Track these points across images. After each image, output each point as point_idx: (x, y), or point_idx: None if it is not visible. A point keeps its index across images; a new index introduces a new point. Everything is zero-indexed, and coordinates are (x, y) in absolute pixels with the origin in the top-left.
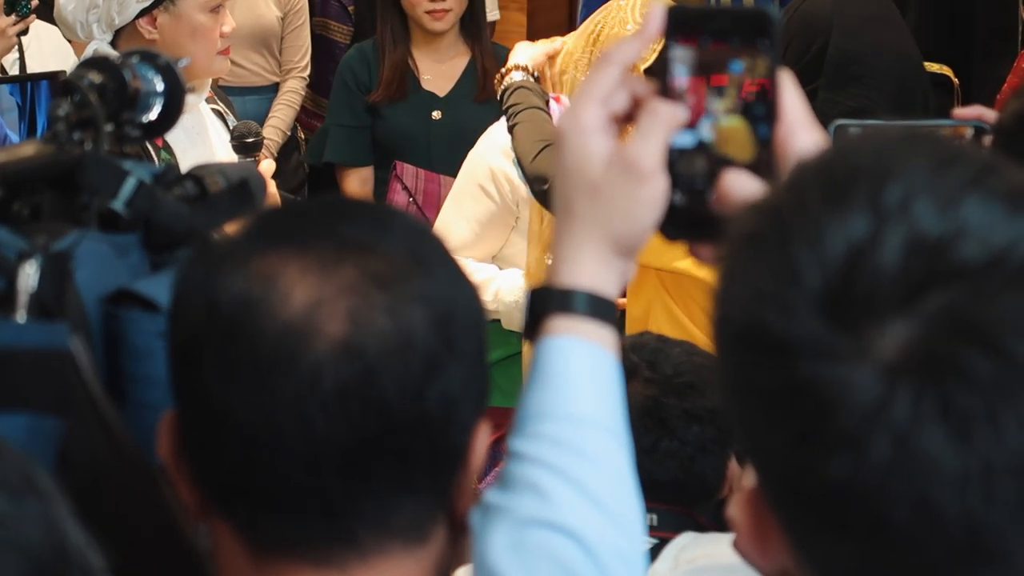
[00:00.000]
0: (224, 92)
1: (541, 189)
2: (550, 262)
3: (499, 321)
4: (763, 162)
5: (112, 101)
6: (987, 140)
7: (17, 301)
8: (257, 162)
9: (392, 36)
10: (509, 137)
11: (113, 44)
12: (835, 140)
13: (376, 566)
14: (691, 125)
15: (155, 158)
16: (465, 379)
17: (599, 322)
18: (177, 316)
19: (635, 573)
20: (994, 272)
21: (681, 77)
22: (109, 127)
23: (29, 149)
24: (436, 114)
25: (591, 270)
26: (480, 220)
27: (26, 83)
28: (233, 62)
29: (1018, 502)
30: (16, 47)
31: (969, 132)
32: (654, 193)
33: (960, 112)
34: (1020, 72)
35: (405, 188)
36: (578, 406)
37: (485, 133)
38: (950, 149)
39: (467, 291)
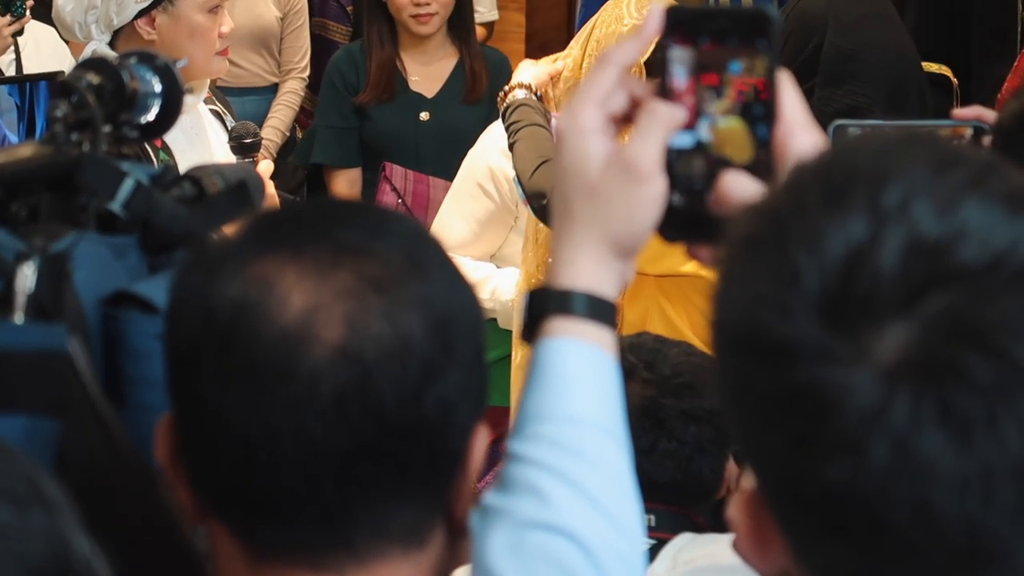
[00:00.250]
0: (223, 93)
1: (540, 205)
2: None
3: (495, 320)
4: (762, 163)
5: (110, 102)
6: (986, 140)
7: (15, 302)
8: (255, 163)
9: (379, 38)
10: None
11: (111, 45)
12: (834, 140)
13: (374, 571)
14: (690, 126)
15: (154, 159)
16: (463, 383)
17: (598, 323)
18: (174, 322)
19: (634, 574)
20: (994, 274)
21: (680, 77)
22: (107, 128)
23: (27, 150)
24: (424, 115)
25: (590, 271)
26: (479, 219)
27: (25, 84)
28: (232, 63)
29: (1018, 505)
30: (12, 48)
31: (968, 132)
32: (653, 194)
33: (959, 112)
34: (1020, 72)
35: (394, 189)
36: (577, 407)
37: (485, 132)
38: (949, 150)
39: (465, 294)
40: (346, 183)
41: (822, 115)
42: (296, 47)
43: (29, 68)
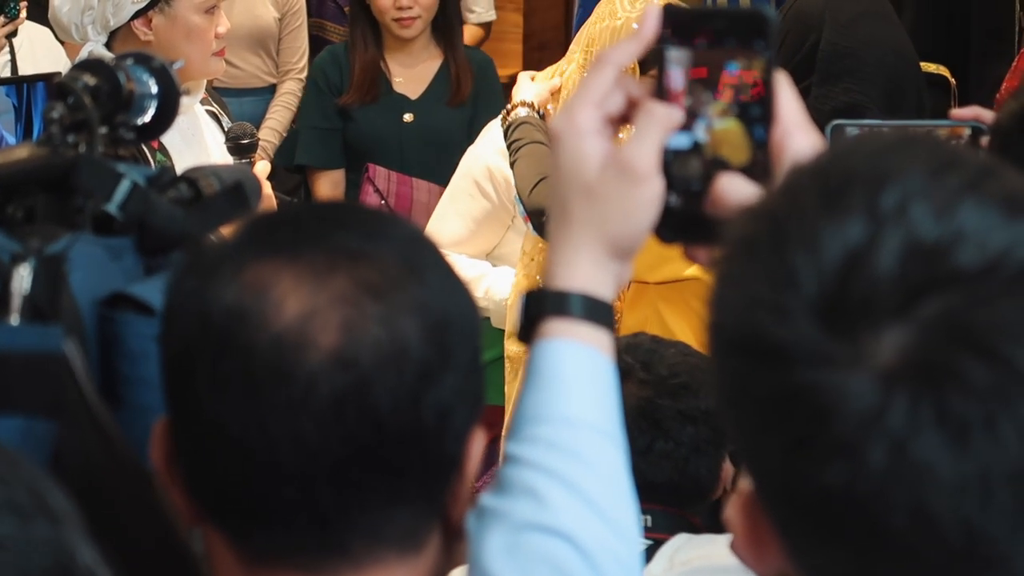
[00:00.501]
0: (221, 93)
1: (540, 222)
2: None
3: (489, 319)
4: (759, 164)
5: (106, 104)
6: (984, 140)
7: (11, 303)
8: (252, 164)
9: (363, 39)
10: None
11: (108, 46)
12: (832, 140)
13: (370, 575)
14: (687, 127)
15: (151, 160)
16: (460, 387)
17: (594, 325)
18: (169, 326)
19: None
20: (991, 277)
21: (677, 78)
22: (103, 130)
23: (23, 152)
24: (408, 117)
25: (586, 272)
26: (475, 217)
27: (22, 85)
28: (230, 63)
29: (1016, 508)
30: (7, 49)
31: (966, 132)
32: (650, 195)
33: (957, 112)
34: (1018, 73)
35: (377, 191)
36: (573, 409)
37: (484, 130)
38: (947, 153)
39: (461, 298)
40: (329, 184)
41: (819, 113)
42: (294, 48)
43: (24, 69)
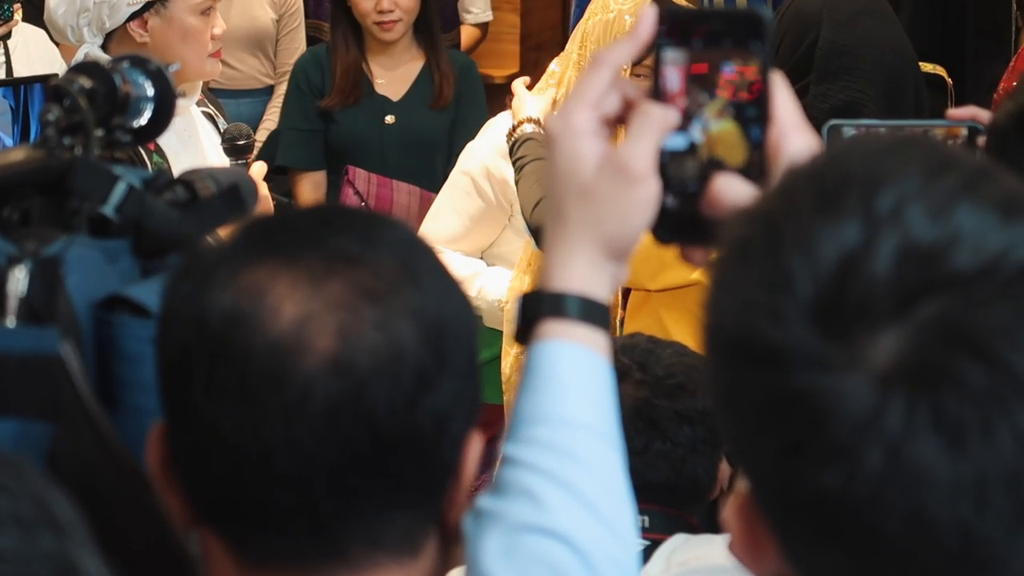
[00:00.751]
0: (218, 95)
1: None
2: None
3: (481, 318)
4: (755, 164)
5: (102, 106)
6: (981, 141)
7: (7, 306)
8: (248, 165)
9: (344, 42)
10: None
11: (104, 47)
12: (828, 140)
13: None
14: (683, 128)
15: (147, 162)
16: (456, 393)
17: (591, 326)
18: (166, 331)
19: None
20: (987, 280)
21: (673, 79)
22: (99, 132)
23: (19, 154)
24: (389, 118)
25: (583, 274)
26: (471, 215)
27: (19, 86)
28: (228, 64)
29: (1012, 511)
30: (2, 50)
31: (963, 132)
32: (646, 196)
33: (954, 112)
34: (1015, 73)
35: (357, 193)
36: (570, 410)
37: (485, 127)
38: (942, 155)
39: (458, 303)
40: (310, 186)
41: (817, 111)
42: (292, 49)
43: (19, 70)
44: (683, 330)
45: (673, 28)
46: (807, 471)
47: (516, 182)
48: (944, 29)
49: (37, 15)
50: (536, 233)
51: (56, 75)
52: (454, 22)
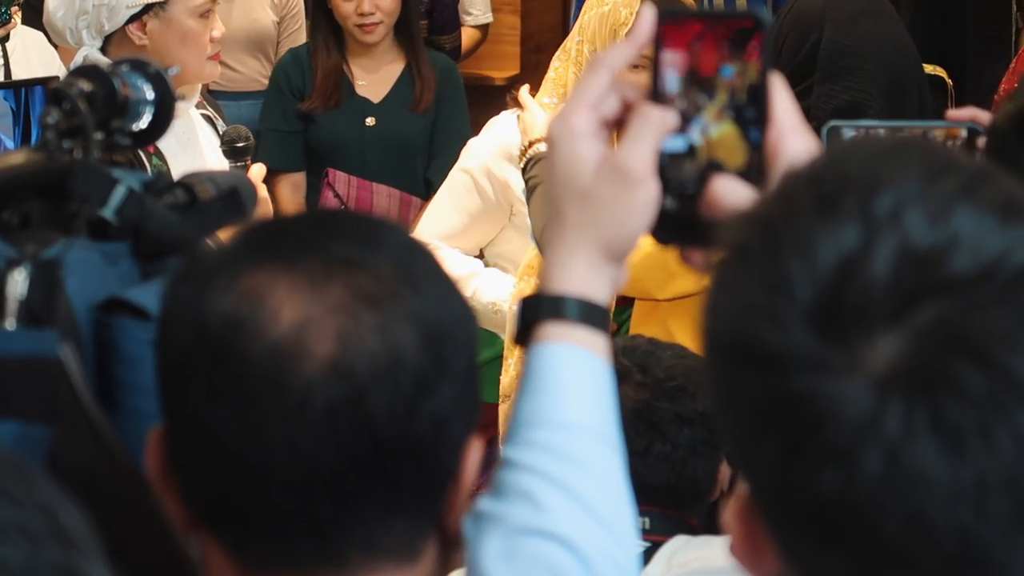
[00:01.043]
0: (219, 96)
1: None
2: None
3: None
4: (754, 166)
5: (102, 109)
6: (981, 142)
7: (7, 308)
8: (247, 167)
9: (325, 44)
10: (513, 138)
11: (103, 50)
12: (828, 141)
13: None
14: (682, 130)
15: (147, 165)
16: (456, 397)
17: (590, 328)
18: (165, 335)
19: None
20: (985, 283)
21: (672, 81)
22: (99, 135)
23: (19, 157)
24: (370, 120)
25: (582, 276)
26: (470, 212)
27: (20, 88)
28: (229, 67)
29: (1011, 515)
30: (1, 53)
31: (963, 133)
32: (645, 198)
33: (954, 114)
34: (1016, 75)
35: (337, 195)
36: (570, 413)
37: (488, 124)
38: (941, 158)
39: (458, 308)
40: (289, 187)
41: (821, 112)
42: None
43: (18, 73)
44: (691, 339)
45: (672, 30)
46: (806, 474)
47: (528, 201)
48: (944, 30)
49: (36, 17)
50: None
51: (57, 77)
52: (454, 24)
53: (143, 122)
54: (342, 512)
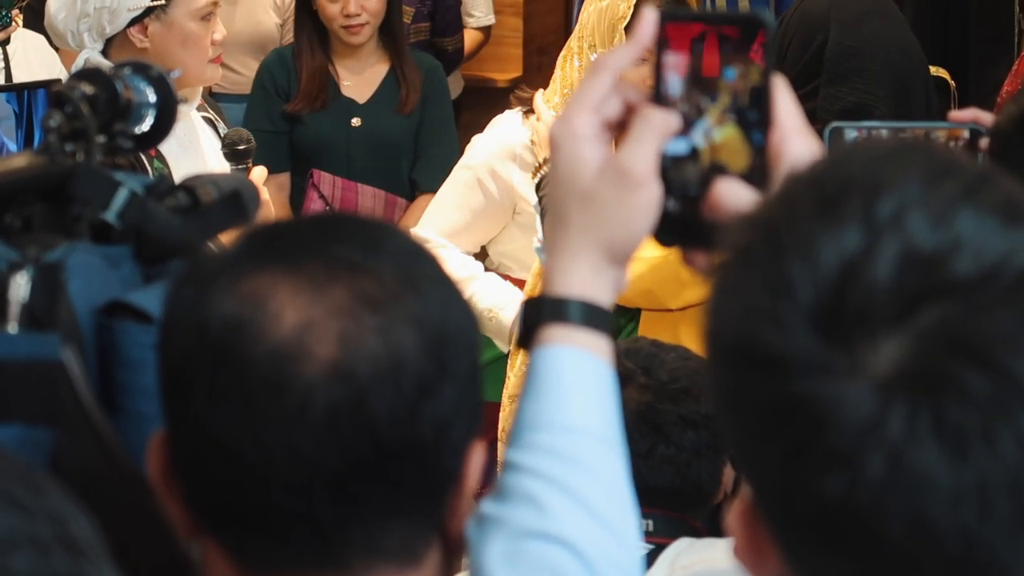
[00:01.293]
0: (223, 99)
1: None
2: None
3: None
4: (757, 169)
5: (104, 112)
6: (983, 143)
7: (9, 312)
8: (248, 170)
9: (310, 46)
10: (517, 138)
11: (104, 53)
12: (830, 142)
13: None
14: (684, 132)
15: (148, 168)
16: (458, 401)
17: (593, 331)
18: (167, 338)
19: None
20: (988, 286)
21: (674, 83)
22: (101, 138)
23: (21, 160)
24: (355, 121)
25: (585, 278)
26: (473, 209)
27: (23, 91)
28: (232, 69)
29: (1015, 518)
30: (1, 56)
31: (965, 135)
32: (647, 200)
33: (956, 115)
34: (1019, 76)
35: (322, 196)
36: (573, 416)
37: (492, 123)
38: (943, 160)
39: (460, 312)
40: (274, 188)
41: (828, 114)
42: None
43: (19, 76)
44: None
45: (674, 32)
46: (809, 477)
47: (541, 220)
48: (946, 31)
49: (37, 20)
50: None
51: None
52: (457, 26)
53: (145, 125)
54: (343, 515)
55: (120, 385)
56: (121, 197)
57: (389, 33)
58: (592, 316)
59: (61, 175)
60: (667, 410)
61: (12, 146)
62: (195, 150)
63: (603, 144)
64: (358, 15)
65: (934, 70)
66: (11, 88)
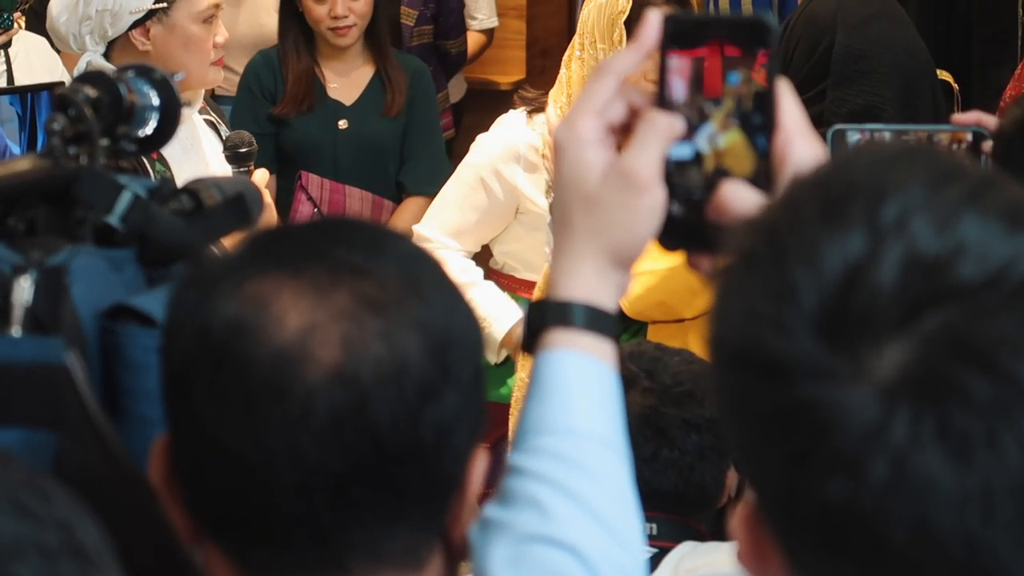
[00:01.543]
0: (224, 102)
1: None
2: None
3: None
4: (761, 173)
5: (107, 115)
6: (986, 146)
7: (12, 315)
8: (250, 172)
9: (295, 49)
10: (521, 138)
11: (106, 55)
12: (833, 145)
13: None
14: (688, 136)
15: (150, 170)
16: (460, 406)
17: (597, 335)
18: (170, 341)
19: None
20: (992, 291)
21: (678, 87)
22: (105, 142)
23: (24, 164)
24: (342, 123)
25: (588, 282)
26: (475, 207)
27: (26, 94)
28: (234, 71)
29: (1019, 522)
30: (3, 59)
31: (968, 137)
32: (652, 204)
33: (959, 118)
34: (1022, 80)
35: (310, 199)
36: (576, 420)
37: (497, 122)
38: (947, 164)
39: (464, 316)
40: None
41: (836, 117)
42: None
43: (21, 78)
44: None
45: (678, 35)
46: (813, 482)
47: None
48: (949, 35)
49: (39, 23)
50: None
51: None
52: (460, 28)
53: (149, 128)
54: (345, 519)
55: (123, 389)
56: (125, 200)
57: (373, 35)
58: (596, 320)
59: (65, 178)
60: (671, 414)
61: (15, 148)
62: (197, 153)
63: (607, 148)
64: (345, 17)
65: (938, 73)
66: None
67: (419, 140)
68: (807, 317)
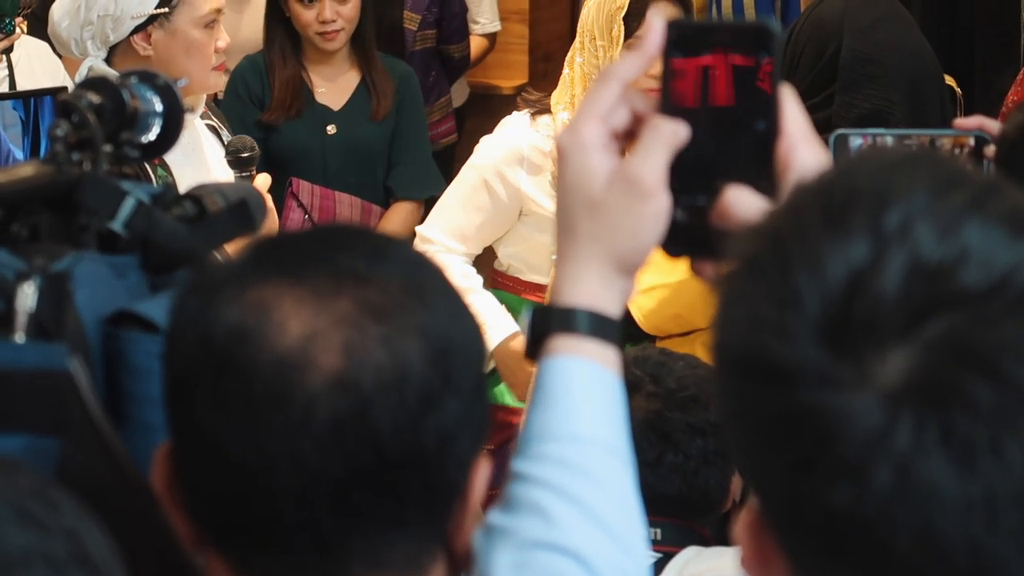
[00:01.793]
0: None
1: None
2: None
3: None
4: (765, 178)
5: (111, 121)
6: (989, 150)
7: (16, 321)
8: (252, 177)
9: (282, 55)
10: (524, 141)
11: (108, 61)
12: (835, 149)
13: None
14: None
15: (152, 176)
16: (462, 414)
17: (601, 341)
18: (172, 347)
19: None
20: (995, 298)
21: (683, 93)
22: (108, 148)
23: (28, 170)
24: (331, 128)
25: (593, 289)
26: (479, 210)
27: (29, 98)
28: None
29: (1022, 529)
30: (5, 64)
31: (970, 142)
32: (656, 210)
33: (961, 122)
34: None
35: (301, 205)
36: (580, 426)
37: (499, 125)
38: (950, 171)
39: (466, 324)
40: None
41: (844, 121)
42: None
43: (23, 83)
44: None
45: (681, 41)
46: (816, 488)
47: None
48: (953, 39)
49: (41, 28)
50: None
51: (66, 88)
52: (463, 33)
53: (152, 134)
54: (346, 526)
55: (127, 394)
56: (128, 206)
57: (360, 40)
58: (600, 326)
59: (68, 184)
60: (675, 418)
61: (19, 153)
62: (199, 158)
63: (611, 153)
64: (333, 21)
65: None
66: (17, 95)
67: (407, 145)
68: (811, 323)
